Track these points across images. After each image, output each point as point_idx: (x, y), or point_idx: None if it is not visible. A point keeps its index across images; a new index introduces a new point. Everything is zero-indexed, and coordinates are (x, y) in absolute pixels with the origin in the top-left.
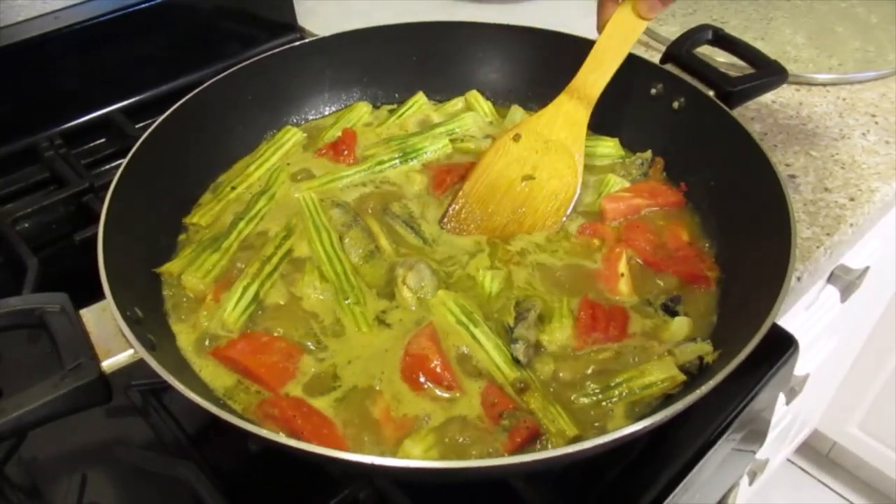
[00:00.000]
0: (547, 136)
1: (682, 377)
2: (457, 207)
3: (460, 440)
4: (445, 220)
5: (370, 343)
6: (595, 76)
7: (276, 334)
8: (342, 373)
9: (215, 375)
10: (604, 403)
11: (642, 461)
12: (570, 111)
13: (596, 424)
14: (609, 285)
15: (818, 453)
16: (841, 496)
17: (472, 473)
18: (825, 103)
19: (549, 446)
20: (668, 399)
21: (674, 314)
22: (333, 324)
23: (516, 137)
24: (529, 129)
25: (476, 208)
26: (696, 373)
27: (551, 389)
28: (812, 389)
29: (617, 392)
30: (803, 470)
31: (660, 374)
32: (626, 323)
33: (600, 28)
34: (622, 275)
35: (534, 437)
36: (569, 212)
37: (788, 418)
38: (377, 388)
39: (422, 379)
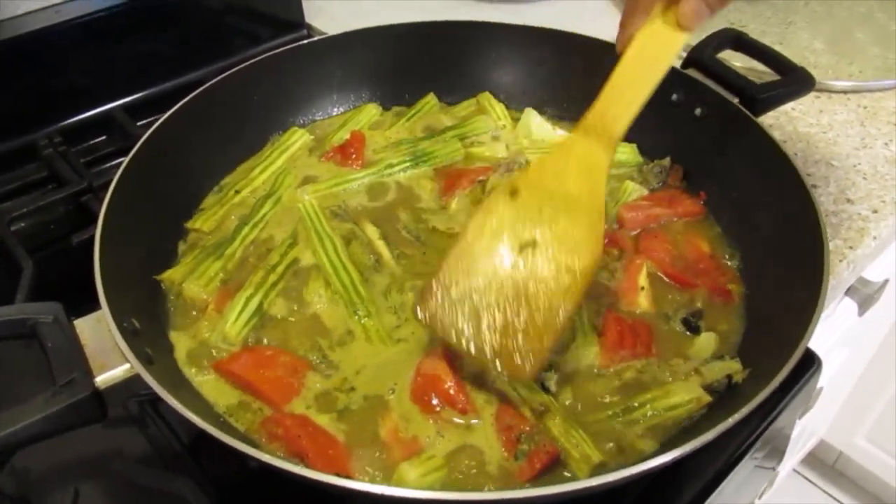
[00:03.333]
0: (554, 190)
1: (707, 398)
2: (434, 295)
3: (472, 470)
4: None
5: (381, 352)
6: (617, 109)
7: (280, 348)
8: (351, 383)
9: (218, 391)
10: (627, 426)
11: (665, 479)
12: (584, 155)
13: (619, 448)
14: (628, 298)
15: (823, 463)
16: None
17: None
18: (846, 111)
19: (572, 472)
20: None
21: (695, 329)
22: (342, 336)
23: (513, 193)
24: (531, 181)
25: (454, 303)
26: (723, 392)
27: (570, 411)
28: (822, 401)
29: (640, 413)
30: (808, 480)
31: (685, 394)
32: (650, 338)
33: (623, 46)
34: (642, 288)
35: (554, 463)
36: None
37: (797, 430)
38: (387, 398)
39: (434, 401)
